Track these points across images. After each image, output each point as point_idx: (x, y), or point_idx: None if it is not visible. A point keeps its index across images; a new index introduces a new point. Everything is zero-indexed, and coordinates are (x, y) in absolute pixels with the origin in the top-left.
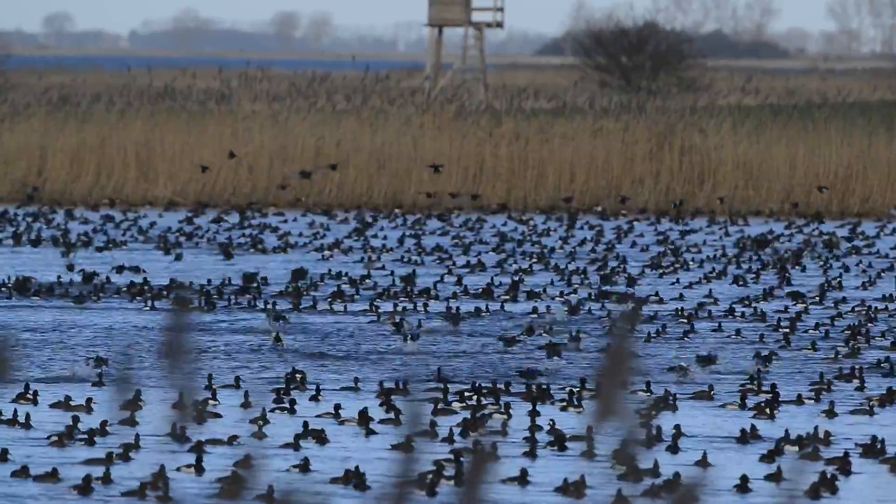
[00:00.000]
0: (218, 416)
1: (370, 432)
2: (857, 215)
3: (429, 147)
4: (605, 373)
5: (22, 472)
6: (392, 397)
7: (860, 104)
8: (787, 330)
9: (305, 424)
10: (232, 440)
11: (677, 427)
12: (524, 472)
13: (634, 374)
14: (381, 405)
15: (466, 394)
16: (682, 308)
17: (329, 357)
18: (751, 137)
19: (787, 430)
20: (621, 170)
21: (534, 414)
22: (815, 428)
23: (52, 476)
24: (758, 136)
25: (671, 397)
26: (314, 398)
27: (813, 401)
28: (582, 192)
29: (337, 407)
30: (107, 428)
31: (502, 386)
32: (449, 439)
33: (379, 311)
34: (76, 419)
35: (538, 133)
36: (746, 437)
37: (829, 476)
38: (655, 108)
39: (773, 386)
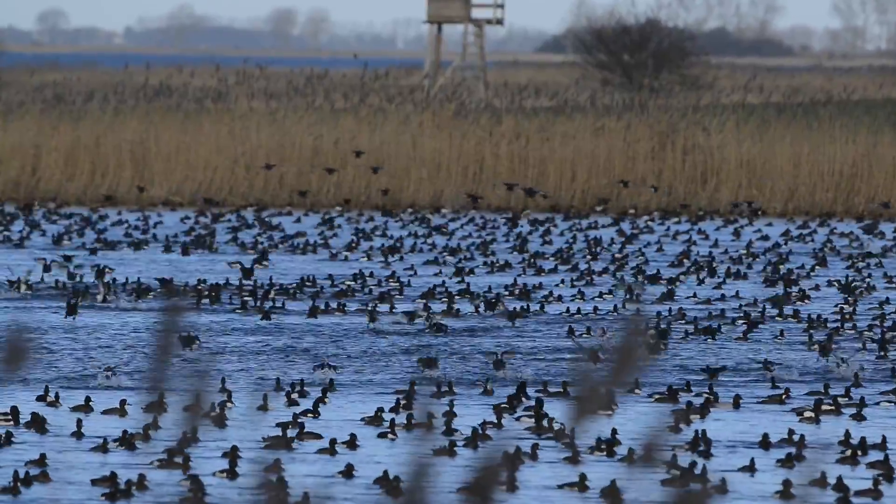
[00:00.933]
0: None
1: (391, 437)
2: (862, 214)
3: (428, 146)
4: (590, 371)
5: (41, 476)
6: (409, 399)
7: (865, 102)
8: (834, 330)
9: (301, 426)
10: (288, 444)
11: (703, 432)
12: (583, 477)
13: (631, 376)
14: (394, 406)
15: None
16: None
17: (369, 357)
18: (754, 136)
19: (801, 435)
20: (623, 169)
21: (538, 416)
22: (846, 431)
23: (110, 480)
24: (761, 135)
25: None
26: (321, 399)
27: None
28: (583, 191)
29: (379, 410)
30: (149, 432)
31: (560, 388)
32: (473, 442)
33: (431, 309)
34: (77, 424)
35: (539, 132)
36: (769, 443)
37: (872, 481)
38: (657, 106)
39: (847, 390)
